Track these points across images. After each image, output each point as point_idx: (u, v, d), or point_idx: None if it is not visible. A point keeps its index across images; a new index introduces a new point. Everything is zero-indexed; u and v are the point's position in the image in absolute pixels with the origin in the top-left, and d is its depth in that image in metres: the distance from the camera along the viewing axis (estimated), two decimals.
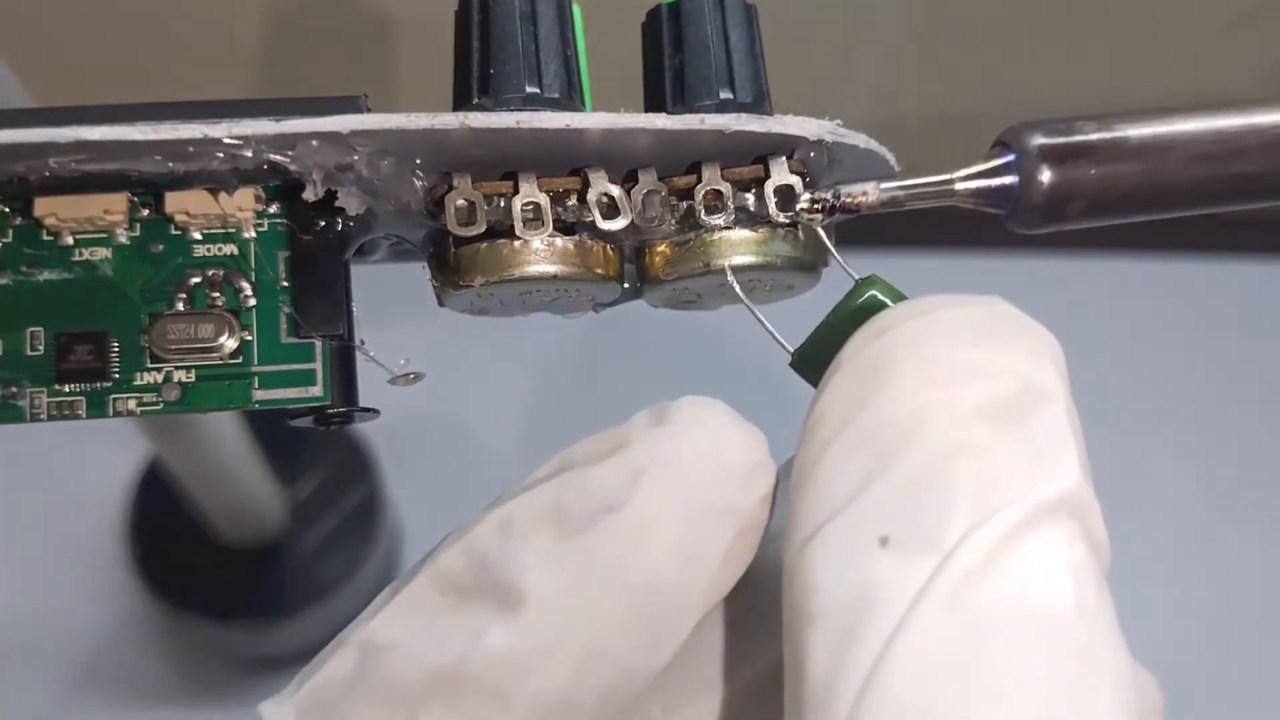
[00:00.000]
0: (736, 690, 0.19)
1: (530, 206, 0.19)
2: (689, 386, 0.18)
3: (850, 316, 0.18)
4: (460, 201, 0.19)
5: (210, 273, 0.19)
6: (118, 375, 0.18)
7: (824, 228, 0.19)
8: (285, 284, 0.19)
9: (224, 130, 0.18)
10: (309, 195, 0.19)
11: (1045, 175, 0.19)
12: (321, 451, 0.52)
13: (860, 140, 0.20)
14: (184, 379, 0.19)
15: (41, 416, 0.18)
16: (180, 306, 0.19)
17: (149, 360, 0.19)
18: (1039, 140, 0.19)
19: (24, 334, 0.18)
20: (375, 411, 0.19)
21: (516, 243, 0.19)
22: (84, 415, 0.18)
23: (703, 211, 0.19)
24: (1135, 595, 0.51)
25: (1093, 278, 0.60)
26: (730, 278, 0.19)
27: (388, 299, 0.22)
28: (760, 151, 0.19)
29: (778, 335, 0.19)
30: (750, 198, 0.19)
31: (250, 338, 0.19)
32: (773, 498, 0.17)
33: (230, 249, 0.19)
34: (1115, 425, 0.56)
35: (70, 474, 0.53)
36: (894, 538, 0.15)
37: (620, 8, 0.23)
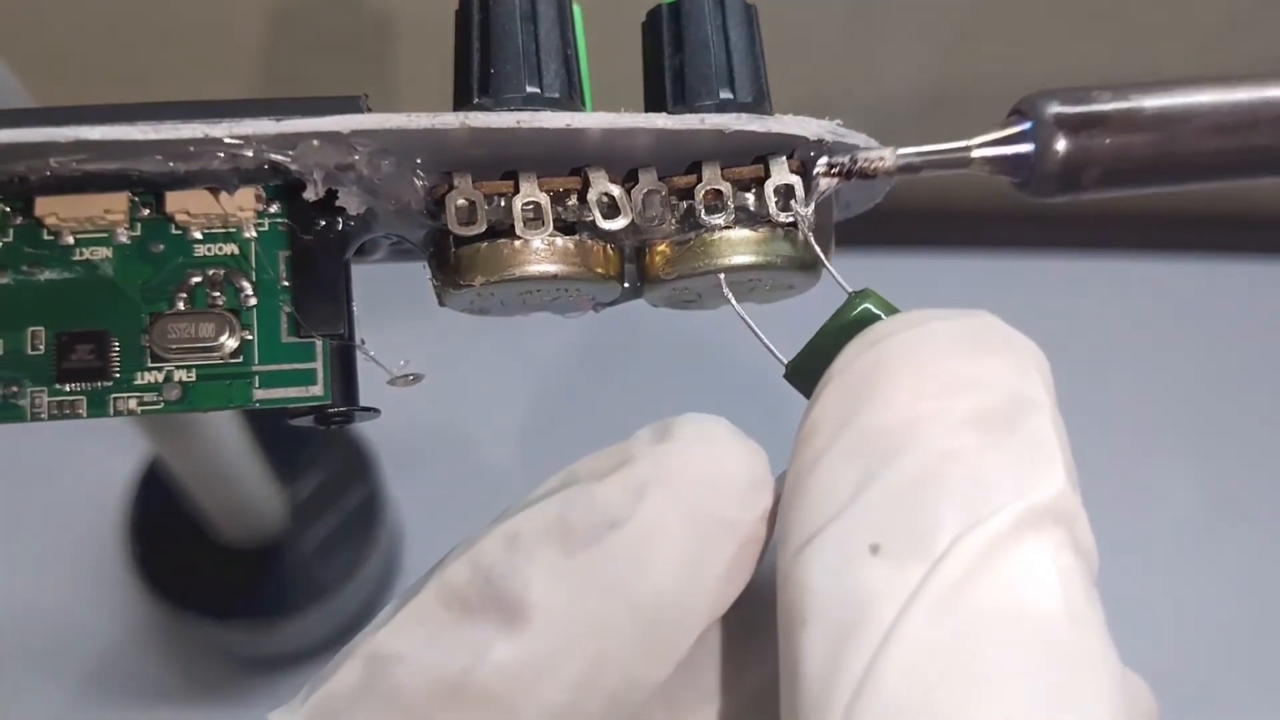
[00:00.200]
0: (736, 699, 0.19)
1: (531, 206, 0.19)
2: (688, 389, 0.19)
3: (844, 329, 0.18)
4: (461, 201, 0.19)
5: (211, 272, 0.19)
6: (118, 375, 0.18)
7: (820, 238, 0.20)
8: (286, 283, 0.19)
9: (225, 130, 0.18)
10: (309, 195, 0.19)
11: (1061, 144, 0.19)
12: (321, 451, 0.52)
13: (860, 139, 0.20)
14: (185, 378, 0.19)
15: (42, 416, 0.18)
16: (181, 306, 0.19)
17: (150, 360, 0.19)
18: (1055, 108, 0.19)
19: (24, 333, 0.18)
20: (375, 411, 0.19)
21: (517, 242, 0.19)
22: (85, 415, 0.18)
23: (703, 211, 0.19)
24: (1135, 598, 0.51)
25: (1093, 278, 0.60)
26: (724, 286, 0.19)
27: (388, 299, 0.22)
28: (760, 151, 0.19)
29: (772, 347, 0.19)
30: (750, 197, 0.19)
31: (251, 337, 0.19)
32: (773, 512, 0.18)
33: (231, 248, 0.19)
34: (1114, 426, 0.56)
35: (70, 474, 0.53)
36: (885, 544, 0.16)
37: (620, 8, 0.23)
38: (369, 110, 0.19)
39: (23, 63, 0.33)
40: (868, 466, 0.16)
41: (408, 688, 0.17)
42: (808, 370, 0.18)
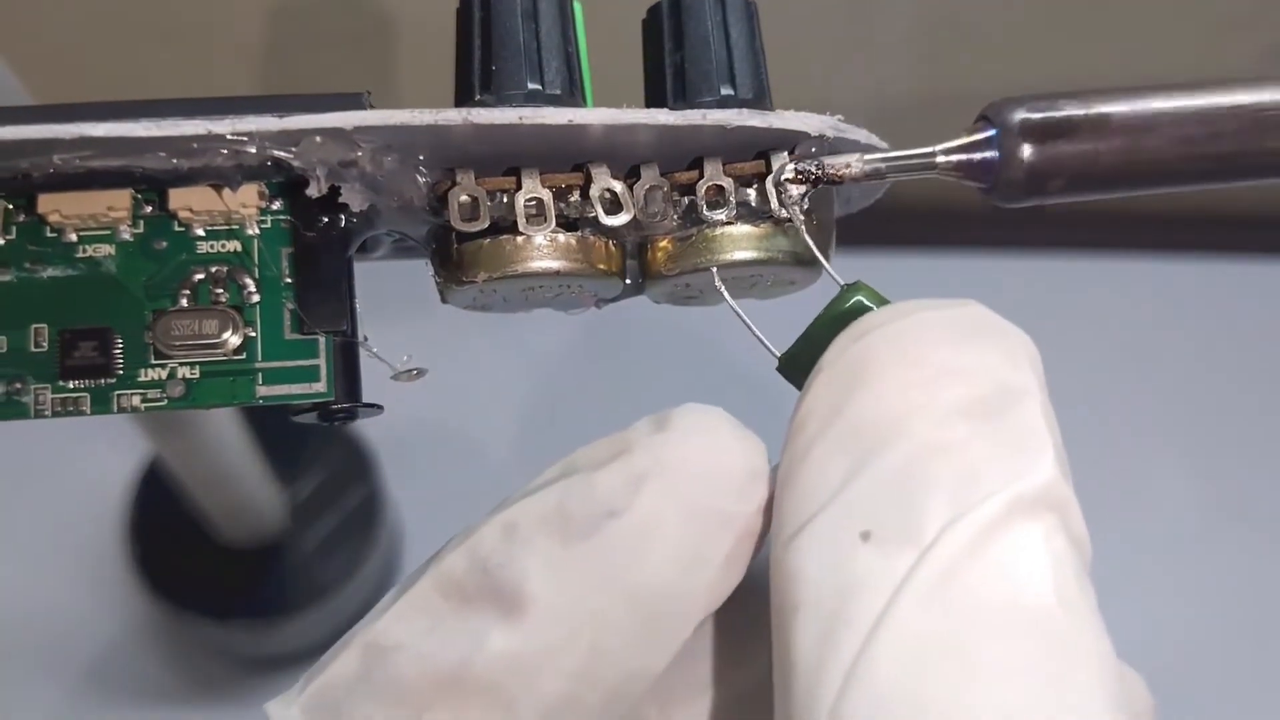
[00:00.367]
0: (731, 690, 0.19)
1: (533, 202, 0.19)
2: (690, 386, 0.19)
3: (835, 321, 0.18)
4: (463, 197, 0.19)
5: (214, 269, 0.19)
6: (122, 371, 0.18)
7: (821, 234, 0.20)
8: (289, 280, 0.19)
9: (228, 126, 0.18)
10: (312, 191, 0.19)
11: (1025, 151, 0.19)
12: (321, 451, 0.52)
13: (862, 135, 0.20)
14: (188, 375, 0.19)
15: (46, 413, 0.18)
16: (184, 303, 0.19)
17: (153, 356, 0.19)
18: (1020, 116, 0.19)
19: (28, 331, 0.18)
20: (379, 407, 0.19)
21: (519, 238, 0.19)
22: (88, 411, 0.18)
23: (705, 207, 0.19)
24: (1134, 598, 0.51)
25: (1092, 278, 0.60)
26: (718, 281, 0.19)
27: (390, 296, 0.22)
28: (762, 147, 0.19)
29: (765, 340, 0.19)
30: (752, 193, 0.19)
31: (254, 334, 0.19)
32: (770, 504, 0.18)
33: (234, 245, 0.19)
34: (1114, 426, 0.56)
35: (70, 474, 0.53)
36: (876, 531, 0.16)
37: (621, 5, 0.23)
38: (372, 107, 0.19)
39: (23, 62, 0.33)
40: (858, 456, 0.16)
41: (406, 677, 0.17)
42: (800, 362, 0.18)
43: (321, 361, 0.19)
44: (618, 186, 0.19)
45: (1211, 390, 0.58)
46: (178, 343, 0.18)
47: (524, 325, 0.24)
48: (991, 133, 0.19)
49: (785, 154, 0.19)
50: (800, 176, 0.19)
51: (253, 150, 0.18)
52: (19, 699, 0.51)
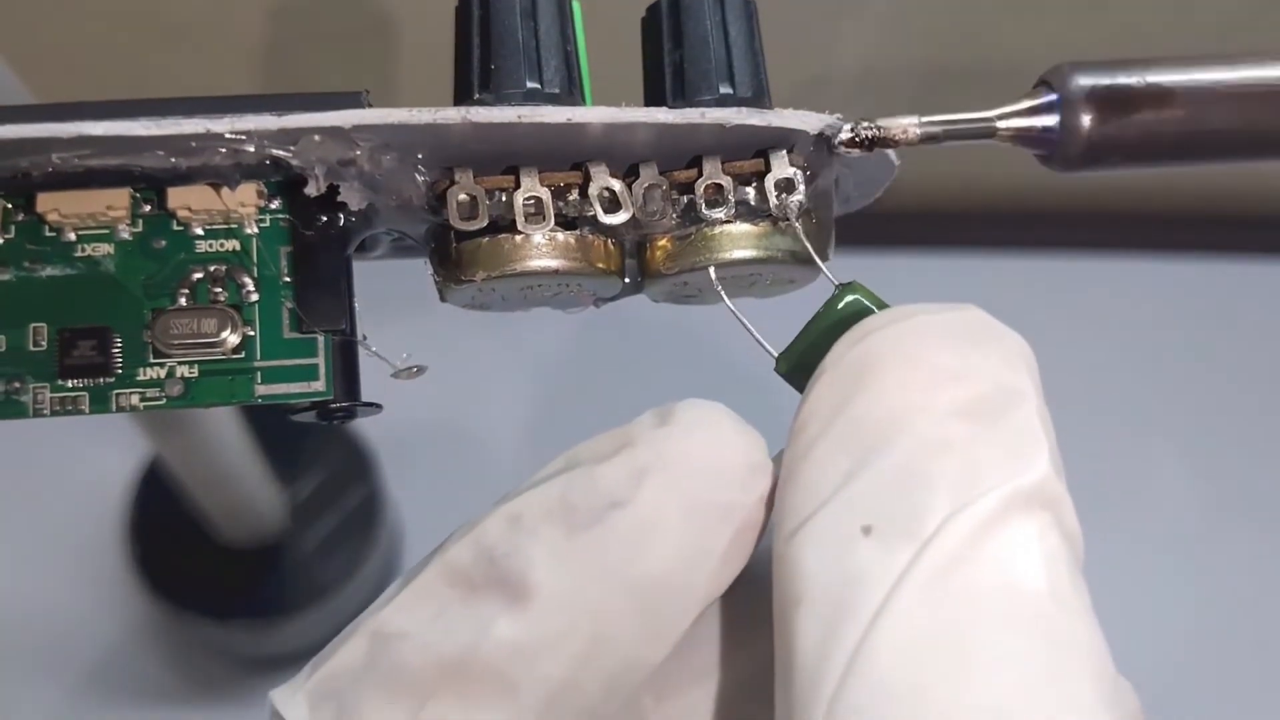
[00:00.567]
0: (728, 679, 0.19)
1: (532, 201, 0.19)
2: (690, 384, 0.19)
3: (832, 321, 0.18)
4: (462, 196, 0.19)
5: (213, 268, 0.19)
6: (121, 370, 0.18)
7: (817, 231, 0.20)
8: (287, 279, 0.19)
9: (226, 125, 0.18)
10: (311, 190, 0.19)
11: (1087, 120, 0.19)
12: (321, 451, 0.52)
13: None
14: (187, 374, 0.19)
15: (44, 412, 0.18)
16: (183, 302, 0.19)
17: (152, 355, 0.19)
18: (1084, 82, 0.19)
19: (26, 330, 0.18)
20: (378, 406, 0.19)
21: (518, 237, 0.19)
22: (87, 410, 0.18)
23: (703, 205, 0.19)
24: (1135, 595, 0.51)
25: (1092, 278, 0.60)
26: (715, 280, 0.19)
27: (389, 295, 0.22)
28: (760, 145, 0.19)
29: (762, 340, 0.19)
30: (751, 192, 0.19)
31: (253, 333, 0.19)
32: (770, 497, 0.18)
33: (232, 244, 0.19)
34: (1114, 425, 0.56)
35: (70, 474, 0.53)
36: (877, 526, 0.16)
37: (620, 3, 0.23)
38: (370, 105, 0.19)
39: (23, 61, 0.33)
40: (859, 454, 0.17)
41: (411, 664, 0.17)
42: (799, 364, 0.19)
43: (320, 360, 0.19)
44: (616, 185, 0.19)
45: (1211, 390, 0.58)
46: (176, 342, 0.18)
47: (523, 324, 0.24)
48: (1052, 98, 0.19)
49: (784, 153, 0.19)
50: (856, 139, 0.19)
51: (251, 149, 0.18)
52: (19, 699, 0.51)
